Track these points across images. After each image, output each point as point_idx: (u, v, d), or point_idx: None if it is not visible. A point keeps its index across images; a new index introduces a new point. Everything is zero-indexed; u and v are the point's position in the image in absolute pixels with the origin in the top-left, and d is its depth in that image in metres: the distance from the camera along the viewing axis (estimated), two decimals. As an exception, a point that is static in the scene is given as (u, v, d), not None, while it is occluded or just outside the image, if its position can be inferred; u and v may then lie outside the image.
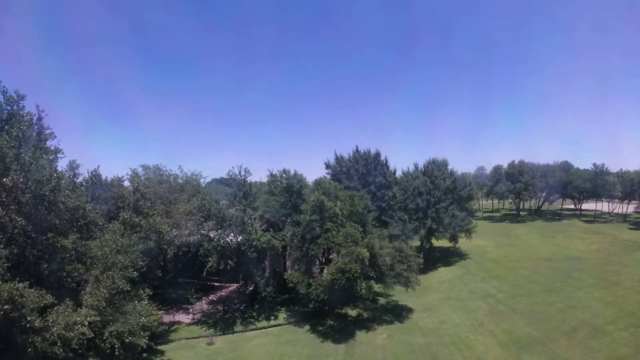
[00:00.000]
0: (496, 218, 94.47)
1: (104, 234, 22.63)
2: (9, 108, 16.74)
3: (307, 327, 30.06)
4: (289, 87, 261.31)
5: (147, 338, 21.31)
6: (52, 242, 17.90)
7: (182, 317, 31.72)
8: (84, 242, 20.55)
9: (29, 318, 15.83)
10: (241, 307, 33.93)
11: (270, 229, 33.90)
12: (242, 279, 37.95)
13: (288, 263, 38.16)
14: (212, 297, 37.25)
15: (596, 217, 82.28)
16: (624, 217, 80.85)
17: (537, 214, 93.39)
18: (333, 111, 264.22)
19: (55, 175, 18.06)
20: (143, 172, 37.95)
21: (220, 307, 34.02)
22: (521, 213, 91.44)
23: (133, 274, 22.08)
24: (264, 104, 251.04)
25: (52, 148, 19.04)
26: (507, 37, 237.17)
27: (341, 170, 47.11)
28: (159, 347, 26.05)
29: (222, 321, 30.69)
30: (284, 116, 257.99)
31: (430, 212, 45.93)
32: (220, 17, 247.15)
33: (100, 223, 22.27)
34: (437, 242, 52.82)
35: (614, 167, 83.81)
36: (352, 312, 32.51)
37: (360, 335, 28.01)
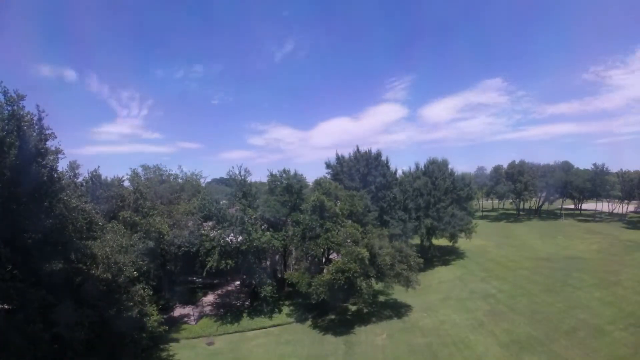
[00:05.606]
0: (492, 217, 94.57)
1: (104, 234, 22.62)
2: (9, 108, 16.67)
3: (309, 322, 30.27)
4: (289, 86, 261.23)
5: (147, 338, 21.31)
6: (53, 242, 17.88)
7: (182, 317, 31.73)
8: (84, 242, 20.53)
9: (29, 318, 15.84)
10: (242, 307, 33.94)
11: (271, 229, 33.92)
12: (242, 278, 37.97)
13: (288, 262, 38.23)
14: (212, 296, 37.25)
15: (596, 217, 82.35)
16: (623, 217, 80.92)
17: (537, 213, 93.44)
18: (334, 111, 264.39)
19: (55, 175, 18.02)
20: (143, 172, 38.03)
21: (220, 307, 34.04)
22: (520, 213, 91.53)
23: (133, 273, 22.09)
24: (264, 103, 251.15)
25: (53, 148, 18.95)
26: (506, 36, 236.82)
27: (342, 170, 47.12)
28: (159, 347, 26.04)
29: (222, 321, 30.71)
30: (284, 115, 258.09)
31: (430, 211, 46.05)
32: (221, 15, 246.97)
33: (101, 223, 22.26)
34: (436, 242, 52.84)
35: (614, 167, 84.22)
36: (353, 308, 32.71)
37: (360, 333, 28.05)
